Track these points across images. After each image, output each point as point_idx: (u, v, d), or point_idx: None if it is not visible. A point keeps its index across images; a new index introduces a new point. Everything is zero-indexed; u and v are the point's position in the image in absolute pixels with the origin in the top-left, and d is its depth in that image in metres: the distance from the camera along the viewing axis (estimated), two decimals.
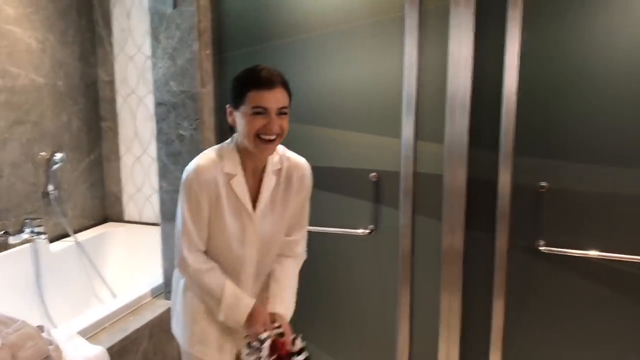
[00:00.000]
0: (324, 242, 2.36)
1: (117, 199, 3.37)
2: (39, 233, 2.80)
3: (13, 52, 2.70)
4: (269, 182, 1.68)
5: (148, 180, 3.28)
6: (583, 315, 2.14)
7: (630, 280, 2.06)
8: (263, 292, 1.81)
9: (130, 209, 3.37)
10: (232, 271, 1.73)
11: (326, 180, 2.32)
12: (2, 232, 2.69)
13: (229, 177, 1.64)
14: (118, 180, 3.34)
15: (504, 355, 2.24)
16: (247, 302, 1.68)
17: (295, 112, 1.97)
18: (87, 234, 3.18)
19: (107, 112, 3.30)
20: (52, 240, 2.95)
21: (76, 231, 3.09)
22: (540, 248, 2.12)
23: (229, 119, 1.65)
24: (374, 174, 2.30)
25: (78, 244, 3.00)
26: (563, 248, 2.10)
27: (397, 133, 2.23)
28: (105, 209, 3.40)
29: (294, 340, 1.64)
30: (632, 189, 2.01)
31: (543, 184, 2.10)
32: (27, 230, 2.78)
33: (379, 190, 2.29)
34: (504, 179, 2.12)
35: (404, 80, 2.18)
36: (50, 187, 2.94)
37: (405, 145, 2.21)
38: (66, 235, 3.04)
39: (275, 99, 1.55)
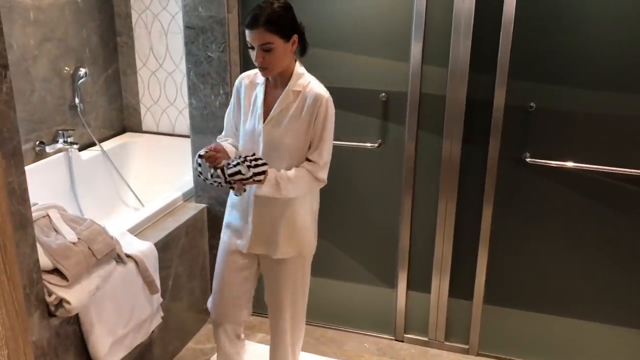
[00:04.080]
0: (339, 155, 2.66)
1: (135, 111, 3.60)
2: (71, 143, 3.05)
3: None
4: (285, 97, 2.01)
5: (164, 93, 3.51)
6: (559, 216, 2.51)
7: (600, 187, 2.43)
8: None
9: (147, 120, 3.61)
10: None
11: (341, 99, 2.58)
12: (38, 142, 2.94)
13: (257, 85, 2.07)
14: (135, 93, 3.56)
15: (490, 250, 2.63)
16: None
17: (316, 37, 2.21)
18: (109, 143, 3.43)
19: (122, 28, 3.45)
20: (80, 150, 3.21)
21: (99, 141, 3.34)
22: (527, 159, 2.46)
23: None
24: (383, 94, 2.57)
25: (104, 152, 3.27)
26: (546, 159, 2.44)
27: (406, 57, 2.48)
28: (124, 120, 3.64)
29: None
30: (604, 110, 2.33)
31: (532, 104, 2.41)
32: (60, 140, 3.03)
33: (387, 108, 2.58)
34: (499, 99, 2.41)
35: (413, 9, 2.41)
36: (77, 100, 3.16)
37: (413, 68, 2.48)
38: (91, 145, 3.30)
39: (255, 38, 1.88)
